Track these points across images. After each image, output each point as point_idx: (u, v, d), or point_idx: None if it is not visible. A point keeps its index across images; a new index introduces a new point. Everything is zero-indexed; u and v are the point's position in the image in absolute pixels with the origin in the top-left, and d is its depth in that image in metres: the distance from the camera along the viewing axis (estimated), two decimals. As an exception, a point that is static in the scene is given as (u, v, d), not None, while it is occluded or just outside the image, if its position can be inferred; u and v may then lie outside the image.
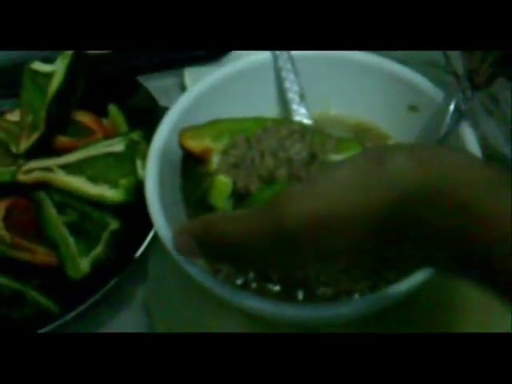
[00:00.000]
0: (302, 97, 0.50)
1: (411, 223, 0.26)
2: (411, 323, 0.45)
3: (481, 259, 0.25)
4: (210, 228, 0.30)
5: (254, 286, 0.43)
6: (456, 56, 0.44)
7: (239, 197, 0.42)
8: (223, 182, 0.41)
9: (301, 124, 0.47)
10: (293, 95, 0.50)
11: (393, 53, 0.48)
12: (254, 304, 0.38)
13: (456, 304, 0.46)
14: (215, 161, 0.43)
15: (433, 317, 0.46)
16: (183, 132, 0.43)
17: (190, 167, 0.44)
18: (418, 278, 0.37)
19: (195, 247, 0.31)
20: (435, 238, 0.26)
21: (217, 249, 0.30)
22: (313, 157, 0.43)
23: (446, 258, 0.27)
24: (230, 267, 0.43)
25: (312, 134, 0.44)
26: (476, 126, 0.44)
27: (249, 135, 0.43)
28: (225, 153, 0.43)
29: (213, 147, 0.43)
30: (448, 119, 0.43)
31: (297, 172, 0.41)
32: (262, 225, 0.28)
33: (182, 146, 0.43)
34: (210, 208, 0.41)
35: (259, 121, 0.45)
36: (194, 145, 0.43)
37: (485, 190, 0.25)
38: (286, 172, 0.41)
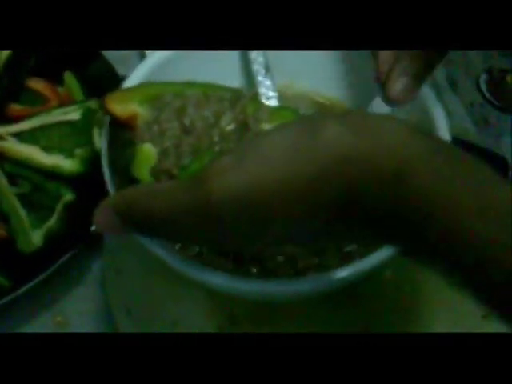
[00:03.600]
0: (268, 68, 0.48)
1: (343, 197, 0.25)
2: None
3: (414, 230, 0.25)
4: (133, 203, 0.28)
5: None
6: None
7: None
8: (147, 152, 0.39)
9: (233, 90, 0.44)
10: (258, 66, 0.48)
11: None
12: (210, 278, 0.36)
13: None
14: (141, 128, 0.40)
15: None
16: (109, 95, 0.40)
17: (116, 133, 0.41)
18: (374, 258, 0.36)
19: (117, 223, 0.29)
20: (368, 212, 0.25)
21: (140, 224, 0.29)
22: (245, 127, 0.40)
23: (384, 234, 0.26)
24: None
25: (243, 102, 0.42)
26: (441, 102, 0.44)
27: (177, 106, 0.41)
28: (152, 122, 0.40)
29: (139, 112, 0.41)
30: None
31: (227, 147, 0.39)
32: (186, 201, 0.26)
33: (106, 111, 0.40)
34: (134, 179, 0.39)
35: (189, 85, 0.42)
36: (120, 109, 0.40)
37: (420, 161, 0.24)
38: (217, 148, 0.39)
